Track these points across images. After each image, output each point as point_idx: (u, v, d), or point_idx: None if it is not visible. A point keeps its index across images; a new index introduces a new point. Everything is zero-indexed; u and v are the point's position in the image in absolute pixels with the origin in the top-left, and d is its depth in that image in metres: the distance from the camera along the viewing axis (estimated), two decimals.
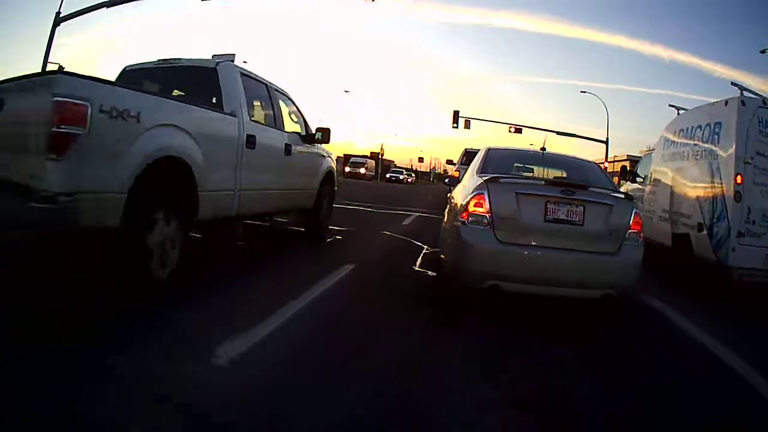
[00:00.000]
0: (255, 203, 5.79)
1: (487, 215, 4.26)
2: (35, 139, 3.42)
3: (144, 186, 3.82)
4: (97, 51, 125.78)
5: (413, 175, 74.09)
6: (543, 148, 6.48)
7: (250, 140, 5.45)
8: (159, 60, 6.10)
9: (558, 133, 45.11)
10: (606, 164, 46.09)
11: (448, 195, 6.56)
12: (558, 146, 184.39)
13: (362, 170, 49.46)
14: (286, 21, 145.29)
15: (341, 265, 5.76)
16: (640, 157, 63.45)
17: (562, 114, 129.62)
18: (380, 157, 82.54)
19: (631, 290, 4.68)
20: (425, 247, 7.96)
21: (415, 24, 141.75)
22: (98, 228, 3.65)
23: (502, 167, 5.23)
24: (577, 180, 4.89)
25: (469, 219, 4.30)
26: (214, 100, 5.33)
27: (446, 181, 7.25)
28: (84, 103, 3.42)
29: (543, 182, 4.56)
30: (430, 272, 6.03)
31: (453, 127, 40.41)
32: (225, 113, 5.22)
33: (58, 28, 18.58)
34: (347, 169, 48.60)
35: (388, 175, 56.57)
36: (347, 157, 58.91)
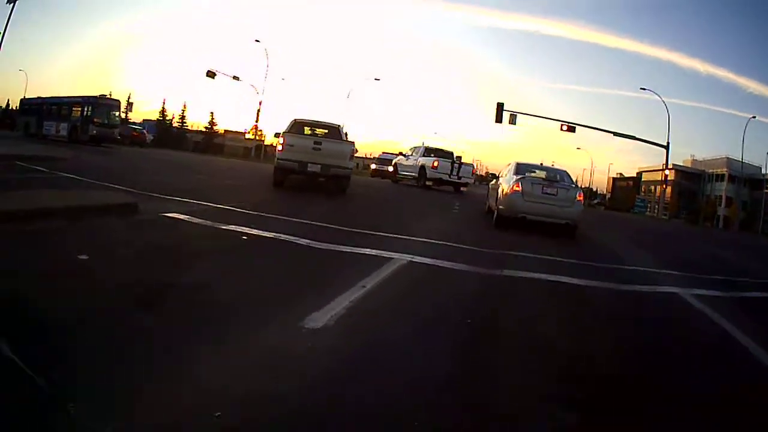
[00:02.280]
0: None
1: (519, 190, 11.01)
2: (347, 156, 14.31)
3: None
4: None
5: None
6: (541, 163, 15.44)
7: (353, 150, 15.02)
8: (316, 120, 16.12)
9: (615, 134, 42.37)
10: (667, 171, 44.95)
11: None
12: (612, 148, 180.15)
13: (390, 168, 44.82)
14: (324, 17, 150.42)
15: None
16: (686, 167, 61.45)
17: (614, 122, 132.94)
18: None
19: (578, 222, 11.23)
20: None
21: (462, 27, 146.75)
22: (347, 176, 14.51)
23: (523, 170, 12.26)
24: (554, 177, 12.02)
25: (513, 191, 11.09)
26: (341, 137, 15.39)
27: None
28: (354, 147, 14.81)
29: (541, 178, 11.63)
30: None
31: (496, 122, 38.68)
32: (348, 142, 15.03)
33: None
34: (373, 166, 42.49)
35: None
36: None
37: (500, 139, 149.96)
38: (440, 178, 22.74)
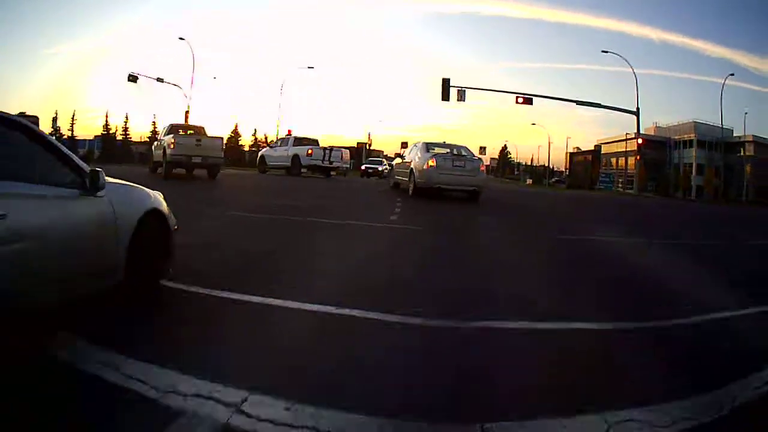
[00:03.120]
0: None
1: (434, 165, 14.20)
2: (220, 149, 18.89)
3: None
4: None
5: None
6: (444, 141, 16.87)
7: (223, 144, 20.70)
8: (186, 123, 27.97)
9: (577, 102, 40.49)
10: (640, 140, 41.76)
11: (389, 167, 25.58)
12: (569, 121, 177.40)
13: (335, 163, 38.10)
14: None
15: None
16: (649, 135, 58.66)
17: (573, 95, 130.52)
18: (367, 146, 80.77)
19: (484, 189, 15.36)
20: None
21: (399, 12, 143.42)
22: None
23: (432, 148, 15.46)
24: (459, 152, 15.55)
25: (429, 166, 14.19)
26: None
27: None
28: (223, 141, 20.51)
29: (449, 153, 15.07)
30: None
31: (443, 99, 36.30)
32: (218, 138, 20.02)
33: None
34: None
35: (363, 167, 45.11)
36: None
37: (449, 123, 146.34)
38: (316, 165, 24.03)
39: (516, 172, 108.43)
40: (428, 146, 15.34)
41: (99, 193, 3.31)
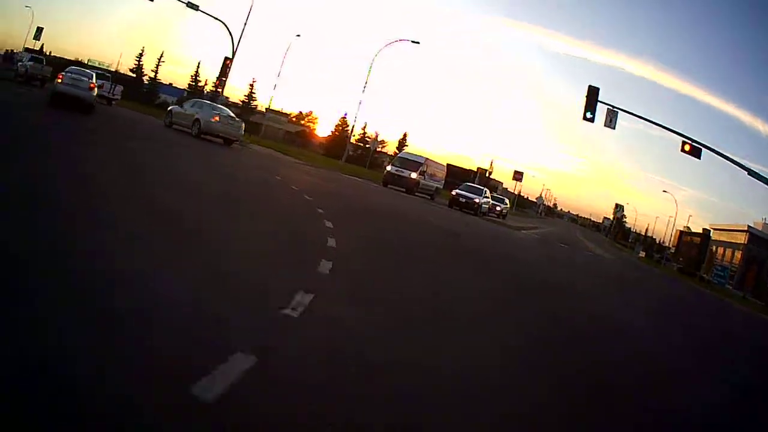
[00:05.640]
0: None
1: (218, 120, 24.84)
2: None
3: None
4: None
5: (506, 202, 44.93)
6: (221, 106, 28.97)
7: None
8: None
9: (749, 172, 27.66)
10: None
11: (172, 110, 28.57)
12: (681, 198, 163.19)
13: (413, 174, 32.99)
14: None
15: None
16: (757, 230, 50.21)
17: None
18: (488, 174, 79.08)
19: (241, 138, 29.00)
20: None
21: (552, 51, 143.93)
22: None
23: (215, 107, 26.77)
24: (230, 114, 27.11)
25: (215, 120, 24.91)
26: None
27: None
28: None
29: (227, 115, 26.15)
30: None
31: (585, 118, 28.96)
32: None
33: None
34: (388, 168, 34.68)
35: (455, 192, 32.61)
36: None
37: (567, 170, 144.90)
38: (102, 95, 30.16)
39: (629, 239, 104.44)
40: (212, 106, 26.18)
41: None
